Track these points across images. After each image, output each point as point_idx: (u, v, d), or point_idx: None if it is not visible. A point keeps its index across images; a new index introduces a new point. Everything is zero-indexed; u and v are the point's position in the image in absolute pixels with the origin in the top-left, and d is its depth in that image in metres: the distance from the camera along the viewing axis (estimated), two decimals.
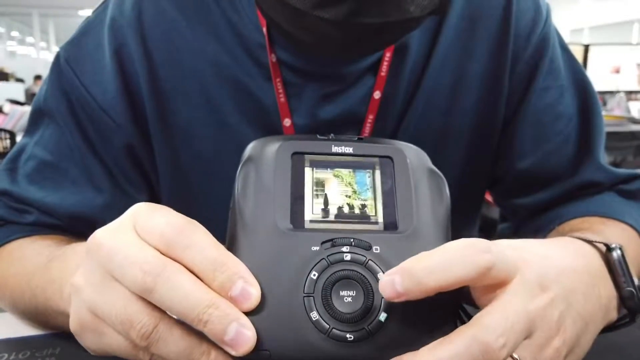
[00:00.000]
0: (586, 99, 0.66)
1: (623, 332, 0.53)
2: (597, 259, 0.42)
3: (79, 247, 0.46)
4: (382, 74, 0.58)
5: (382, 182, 0.34)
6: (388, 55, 0.58)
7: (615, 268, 0.42)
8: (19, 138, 3.20)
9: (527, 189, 0.67)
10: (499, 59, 0.61)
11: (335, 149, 0.34)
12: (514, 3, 0.61)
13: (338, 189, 0.33)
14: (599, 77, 4.34)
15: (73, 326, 0.34)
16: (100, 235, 0.33)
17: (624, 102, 4.12)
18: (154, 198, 0.63)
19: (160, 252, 0.30)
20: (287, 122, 0.58)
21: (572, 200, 0.65)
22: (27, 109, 3.96)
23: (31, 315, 0.51)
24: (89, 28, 0.60)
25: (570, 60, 0.66)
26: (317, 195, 0.33)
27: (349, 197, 0.33)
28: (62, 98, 0.59)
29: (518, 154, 0.65)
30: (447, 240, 0.33)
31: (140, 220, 0.32)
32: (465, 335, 0.29)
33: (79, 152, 0.59)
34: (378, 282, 0.30)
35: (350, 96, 0.58)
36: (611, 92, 4.48)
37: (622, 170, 0.66)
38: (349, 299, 0.30)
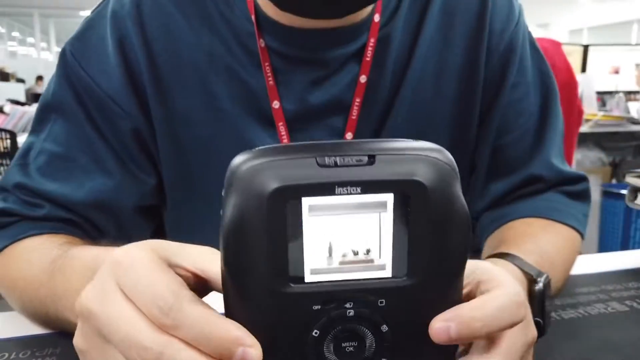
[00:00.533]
0: (547, 99, 0.69)
1: (623, 332, 0.53)
2: (524, 285, 0.48)
3: (77, 263, 0.47)
4: (367, 59, 0.61)
5: (394, 224, 0.29)
6: (372, 40, 0.61)
7: (534, 298, 0.47)
8: (19, 138, 3.19)
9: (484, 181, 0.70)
10: (476, 51, 0.65)
11: (339, 190, 0.28)
12: (489, 0, 0.64)
13: (342, 234, 0.29)
14: (598, 78, 4.33)
15: None
16: (87, 300, 0.31)
17: (623, 103, 4.12)
18: (161, 180, 0.66)
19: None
20: (276, 104, 0.61)
21: (521, 198, 0.68)
22: (28, 109, 3.96)
23: (41, 319, 0.53)
24: (92, 23, 0.63)
25: (539, 60, 0.70)
26: (317, 243, 0.29)
27: (355, 242, 0.29)
28: (69, 89, 0.61)
29: (486, 145, 0.68)
30: (460, 284, 0.31)
31: (126, 284, 0.30)
32: None
33: (87, 140, 0.61)
34: (381, 334, 0.30)
35: (337, 82, 0.61)
36: (610, 93, 4.48)
37: (569, 170, 0.70)
38: (351, 349, 0.30)
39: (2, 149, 3.12)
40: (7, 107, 4.13)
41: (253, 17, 0.59)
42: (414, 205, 0.28)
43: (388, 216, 0.29)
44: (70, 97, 0.61)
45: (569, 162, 2.34)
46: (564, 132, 0.72)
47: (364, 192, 0.28)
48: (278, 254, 0.28)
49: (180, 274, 0.32)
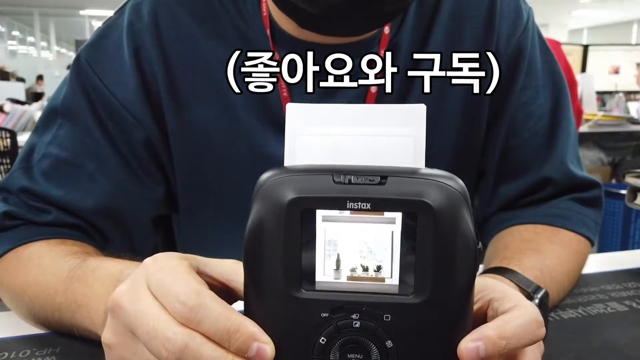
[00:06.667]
0: (558, 103, 0.69)
1: (623, 332, 0.53)
2: None
3: (100, 274, 0.48)
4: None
5: (402, 242, 0.30)
6: (382, 52, 0.62)
7: None
8: (19, 137, 3.18)
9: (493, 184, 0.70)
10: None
11: (350, 205, 0.30)
12: (497, 6, 0.65)
13: (352, 247, 0.31)
14: (597, 78, 4.33)
15: None
16: (119, 297, 0.34)
17: (622, 103, 4.11)
18: (170, 189, 0.66)
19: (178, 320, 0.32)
20: None
21: (532, 204, 0.68)
22: (28, 108, 3.95)
23: (51, 326, 0.52)
24: (107, 32, 0.64)
25: (550, 63, 0.70)
26: (329, 255, 0.31)
27: (364, 257, 0.31)
28: (82, 96, 0.62)
29: (494, 149, 0.68)
30: (468, 306, 0.32)
31: (153, 283, 0.33)
32: None
33: (96, 148, 0.61)
34: (386, 349, 0.31)
35: (348, 92, 0.62)
36: (610, 93, 4.47)
37: (583, 176, 0.69)
38: None
39: (2, 148, 3.12)
40: (7, 106, 4.12)
41: (268, 31, 0.61)
42: (421, 226, 0.30)
43: (396, 234, 0.30)
44: (82, 104, 0.61)
45: None
46: (577, 134, 0.71)
47: (373, 209, 0.30)
48: (292, 259, 0.30)
49: (209, 283, 0.35)
